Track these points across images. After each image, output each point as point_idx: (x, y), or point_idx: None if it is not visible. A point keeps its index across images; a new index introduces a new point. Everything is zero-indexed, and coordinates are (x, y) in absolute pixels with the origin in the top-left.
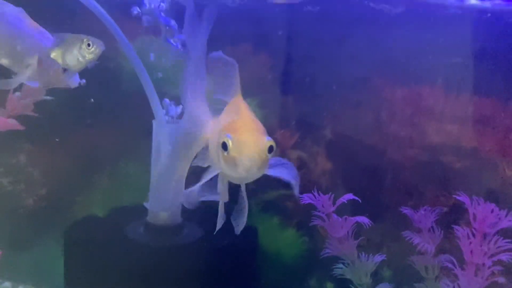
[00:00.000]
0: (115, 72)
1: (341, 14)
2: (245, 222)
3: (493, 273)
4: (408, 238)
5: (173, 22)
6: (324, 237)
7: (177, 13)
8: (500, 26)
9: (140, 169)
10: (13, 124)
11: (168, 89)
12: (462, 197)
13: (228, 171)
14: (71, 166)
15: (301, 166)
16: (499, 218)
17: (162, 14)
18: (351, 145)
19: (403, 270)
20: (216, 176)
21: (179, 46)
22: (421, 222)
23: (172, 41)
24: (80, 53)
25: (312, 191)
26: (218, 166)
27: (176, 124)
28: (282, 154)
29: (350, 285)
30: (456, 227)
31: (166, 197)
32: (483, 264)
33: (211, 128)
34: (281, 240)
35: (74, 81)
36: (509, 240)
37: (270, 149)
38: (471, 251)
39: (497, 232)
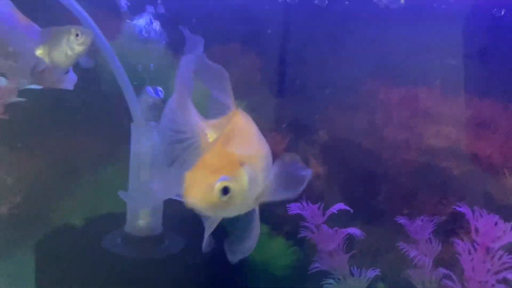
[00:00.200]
0: (94, 73)
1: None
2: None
3: None
4: (404, 250)
5: (124, 2)
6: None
7: None
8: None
9: (120, 175)
10: None
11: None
12: (463, 208)
13: None
14: (47, 172)
15: None
16: (504, 232)
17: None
18: (345, 148)
19: (399, 284)
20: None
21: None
22: (418, 233)
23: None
24: (69, 45)
25: (300, 200)
26: None
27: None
28: (273, 158)
29: None
30: (456, 240)
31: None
32: (486, 282)
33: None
34: (270, 250)
35: (71, 79)
36: None
37: (225, 191)
38: (473, 268)
39: (501, 247)
